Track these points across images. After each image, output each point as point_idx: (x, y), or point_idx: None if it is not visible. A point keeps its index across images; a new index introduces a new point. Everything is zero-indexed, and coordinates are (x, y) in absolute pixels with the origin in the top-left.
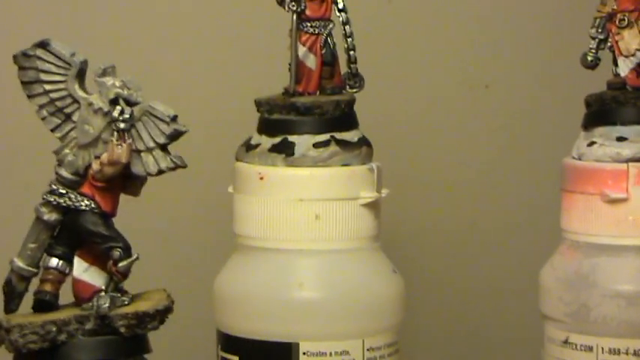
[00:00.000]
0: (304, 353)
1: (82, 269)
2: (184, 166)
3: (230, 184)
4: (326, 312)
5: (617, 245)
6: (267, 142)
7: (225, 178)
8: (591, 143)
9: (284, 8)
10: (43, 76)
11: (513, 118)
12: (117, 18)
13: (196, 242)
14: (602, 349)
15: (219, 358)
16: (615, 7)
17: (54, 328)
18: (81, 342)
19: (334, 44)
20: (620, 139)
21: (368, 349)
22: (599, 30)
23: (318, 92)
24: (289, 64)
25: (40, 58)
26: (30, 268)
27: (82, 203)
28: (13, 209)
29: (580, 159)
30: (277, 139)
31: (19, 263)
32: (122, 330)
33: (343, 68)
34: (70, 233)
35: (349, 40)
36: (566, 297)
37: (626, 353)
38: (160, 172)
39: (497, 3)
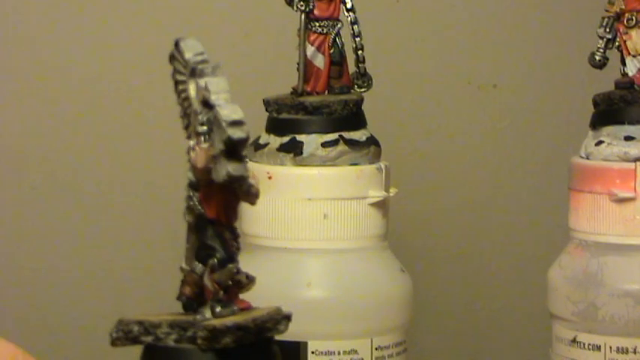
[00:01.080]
0: (313, 352)
1: (207, 275)
2: (242, 177)
3: None
4: (334, 311)
5: (625, 244)
6: (275, 141)
7: None
8: (599, 142)
9: (292, 8)
10: (177, 77)
11: (521, 118)
12: (127, 17)
13: None
14: (610, 348)
15: None
16: (623, 6)
17: (136, 328)
18: (165, 347)
19: (342, 44)
20: (628, 138)
21: (376, 348)
22: (607, 29)
23: (326, 92)
24: (297, 64)
25: (175, 58)
26: (188, 268)
27: (197, 207)
28: (16, 210)
29: (588, 158)
30: (286, 139)
31: (182, 264)
32: (198, 342)
33: (351, 68)
34: None
35: (357, 39)
36: (574, 296)
37: (635, 352)
38: (225, 180)
39: (505, 2)
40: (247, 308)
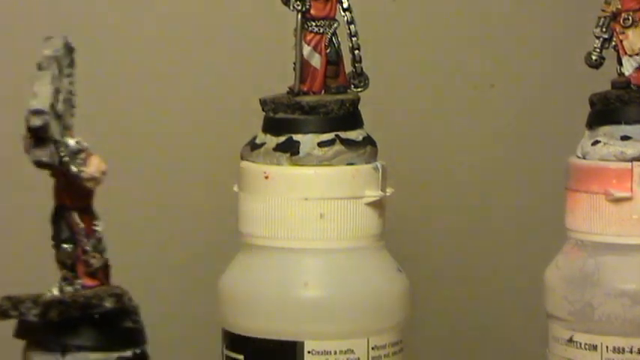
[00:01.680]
0: (309, 352)
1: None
2: (43, 163)
3: (235, 182)
4: (331, 311)
5: (622, 244)
6: (272, 141)
7: (230, 177)
8: (595, 142)
9: (289, 7)
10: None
11: (518, 118)
12: (126, 17)
13: (201, 241)
14: (607, 347)
15: (224, 356)
16: (620, 6)
17: (5, 303)
18: (24, 321)
19: (339, 43)
20: (625, 138)
21: (372, 348)
22: (604, 29)
23: (322, 91)
24: (294, 64)
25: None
26: None
27: None
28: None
29: (584, 158)
30: (282, 138)
31: None
32: (32, 315)
33: (348, 67)
34: None
35: (354, 39)
36: (570, 296)
37: (631, 352)
38: (35, 165)
39: (502, 2)
40: (94, 286)
